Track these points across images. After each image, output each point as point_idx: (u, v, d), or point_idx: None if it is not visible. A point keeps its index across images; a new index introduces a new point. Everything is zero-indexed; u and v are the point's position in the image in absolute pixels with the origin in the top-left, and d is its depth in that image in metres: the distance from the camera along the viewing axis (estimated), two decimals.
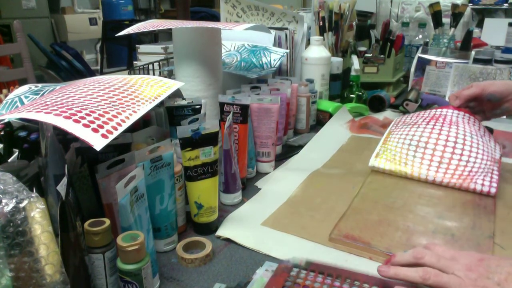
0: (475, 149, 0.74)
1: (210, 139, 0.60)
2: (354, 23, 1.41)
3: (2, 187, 0.39)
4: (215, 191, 0.62)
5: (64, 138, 0.55)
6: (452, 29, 1.45)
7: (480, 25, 2.19)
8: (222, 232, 0.62)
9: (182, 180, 0.62)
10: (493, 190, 0.69)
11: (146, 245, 0.47)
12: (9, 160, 0.58)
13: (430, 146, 0.76)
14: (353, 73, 1.21)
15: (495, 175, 0.71)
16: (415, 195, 0.71)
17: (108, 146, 0.48)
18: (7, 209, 0.38)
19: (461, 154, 0.73)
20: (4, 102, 0.68)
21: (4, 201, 0.38)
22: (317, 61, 1.15)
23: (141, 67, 1.12)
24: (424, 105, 1.13)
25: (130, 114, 0.53)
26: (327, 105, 1.12)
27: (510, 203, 0.69)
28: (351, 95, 1.22)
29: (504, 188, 0.74)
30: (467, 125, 0.78)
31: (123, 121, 0.51)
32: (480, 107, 0.86)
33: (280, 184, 0.77)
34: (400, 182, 0.75)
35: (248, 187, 0.77)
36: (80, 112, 0.49)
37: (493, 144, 0.78)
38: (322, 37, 1.22)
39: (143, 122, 0.68)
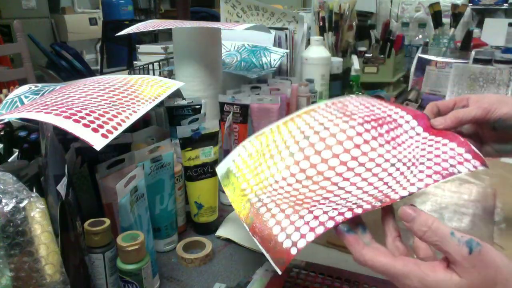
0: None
1: (210, 139, 0.60)
2: (354, 23, 1.41)
3: (2, 187, 0.39)
4: (215, 191, 0.62)
5: (64, 138, 0.55)
6: (452, 29, 1.45)
7: (480, 25, 2.19)
8: (222, 232, 0.62)
9: (182, 180, 0.61)
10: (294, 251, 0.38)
11: (146, 245, 0.47)
12: (9, 160, 0.58)
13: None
14: (353, 73, 1.21)
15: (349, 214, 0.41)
16: (414, 196, 0.71)
17: (108, 146, 0.48)
18: (7, 209, 0.38)
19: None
20: (4, 102, 0.68)
21: (4, 201, 0.38)
22: (317, 61, 1.14)
23: (141, 67, 1.12)
24: (424, 106, 1.13)
25: (130, 114, 0.53)
26: None
27: (511, 203, 0.69)
28: (351, 95, 1.23)
29: (505, 187, 0.74)
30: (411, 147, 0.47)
31: (123, 121, 0.51)
32: (477, 132, 0.56)
33: None
34: None
35: None
36: (80, 112, 0.49)
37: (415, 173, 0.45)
38: (322, 37, 1.22)
39: (143, 122, 0.68)
